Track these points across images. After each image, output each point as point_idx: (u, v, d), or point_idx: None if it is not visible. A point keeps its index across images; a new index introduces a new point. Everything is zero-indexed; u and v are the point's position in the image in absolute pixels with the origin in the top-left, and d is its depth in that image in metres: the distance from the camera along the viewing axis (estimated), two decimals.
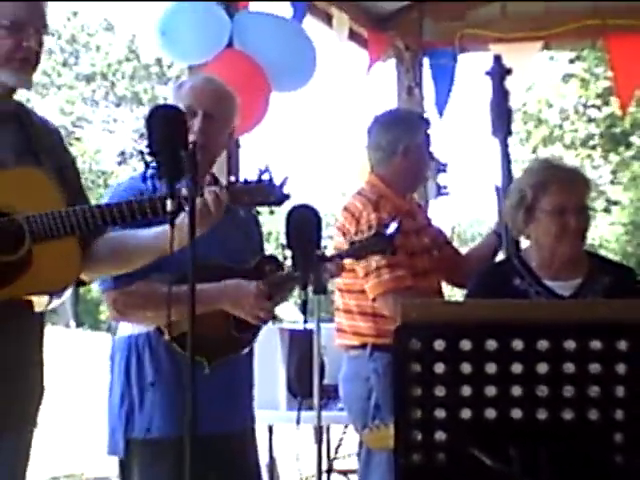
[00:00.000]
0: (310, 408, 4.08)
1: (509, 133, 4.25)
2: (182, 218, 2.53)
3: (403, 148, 4.10)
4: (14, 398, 2.58)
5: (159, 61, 33.42)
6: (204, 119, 3.20)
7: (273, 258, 3.29)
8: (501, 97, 4.25)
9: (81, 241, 2.65)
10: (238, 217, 3.09)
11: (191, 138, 3.18)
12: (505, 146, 4.22)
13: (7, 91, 2.64)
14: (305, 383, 4.35)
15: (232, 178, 2.85)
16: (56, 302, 2.65)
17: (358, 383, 4.05)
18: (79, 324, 28.60)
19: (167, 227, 2.51)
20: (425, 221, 4.36)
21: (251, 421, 3.38)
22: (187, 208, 2.50)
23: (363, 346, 4.04)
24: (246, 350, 3.26)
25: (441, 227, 4.50)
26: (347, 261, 3.44)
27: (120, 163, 33.94)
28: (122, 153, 34.78)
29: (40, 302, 2.61)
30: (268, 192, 2.84)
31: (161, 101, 33.96)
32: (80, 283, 2.80)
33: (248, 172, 3.32)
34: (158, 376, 3.11)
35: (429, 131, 4.25)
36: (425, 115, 5.28)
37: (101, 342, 19.58)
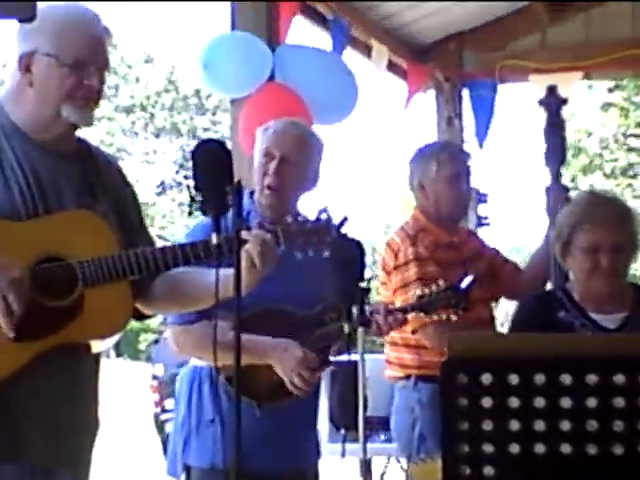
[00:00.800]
0: (353, 440, 4.07)
1: (562, 162, 4.26)
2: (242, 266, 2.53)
3: (417, 183, 4.16)
4: (71, 433, 2.60)
5: (198, 92, 33.71)
6: (280, 163, 3.27)
7: (338, 305, 3.26)
8: (556, 127, 4.26)
9: (140, 280, 2.65)
10: (305, 258, 2.97)
11: (266, 181, 3.27)
12: (557, 175, 4.23)
13: (69, 128, 2.65)
14: (348, 415, 4.34)
15: (288, 219, 2.81)
16: (111, 342, 2.67)
17: (405, 414, 4.10)
18: (119, 354, 28.78)
19: (226, 271, 2.50)
20: (477, 249, 4.34)
21: (308, 461, 3.41)
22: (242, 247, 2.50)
23: (408, 377, 4.09)
24: (295, 396, 3.25)
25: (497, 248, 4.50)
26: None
27: (159, 194, 34.17)
28: (161, 184, 35.03)
29: (95, 343, 2.63)
30: (325, 233, 2.80)
31: (200, 132, 34.24)
32: (142, 316, 2.81)
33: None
34: (216, 413, 3.14)
35: (463, 161, 4.23)
36: (462, 145, 5.28)
37: (140, 372, 19.67)
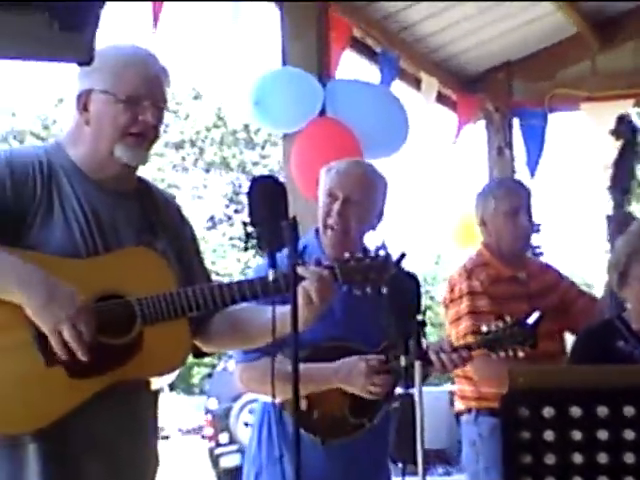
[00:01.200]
0: (412, 473, 4.05)
1: (627, 191, 4.25)
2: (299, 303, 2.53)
3: (479, 219, 4.21)
4: (131, 468, 2.61)
5: (246, 127, 33.91)
6: (343, 204, 3.29)
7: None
8: (629, 155, 4.27)
9: (198, 317, 2.66)
10: (364, 295, 2.94)
11: (329, 221, 3.30)
12: (621, 204, 4.21)
13: (126, 168, 2.66)
14: (406, 448, 4.32)
15: (346, 255, 2.79)
16: (170, 378, 2.68)
17: (468, 447, 4.12)
18: (172, 388, 28.89)
19: (284, 308, 2.50)
20: (548, 282, 4.30)
21: None
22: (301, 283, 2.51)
23: (469, 410, 4.12)
24: (361, 433, 3.27)
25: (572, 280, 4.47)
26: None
27: (210, 228, 34.36)
28: (211, 218, 35.22)
29: (155, 379, 2.64)
30: (383, 270, 2.79)
31: (249, 166, 34.45)
32: (201, 354, 2.83)
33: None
34: (284, 449, 3.14)
35: (521, 196, 4.22)
36: (514, 176, 5.27)
37: (194, 406, 19.72)
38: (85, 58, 1.91)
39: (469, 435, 4.12)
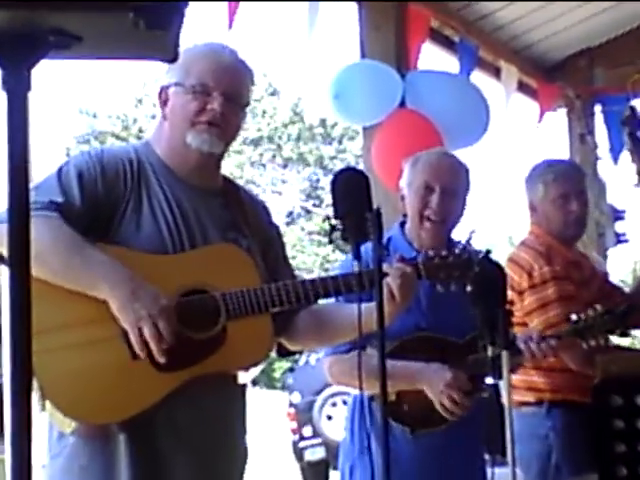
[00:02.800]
0: (501, 464, 3.99)
1: None
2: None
3: (529, 204, 4.06)
4: (223, 465, 2.64)
5: (323, 122, 33.98)
6: (441, 195, 3.29)
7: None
8: (639, 147, 4.14)
9: (282, 313, 2.68)
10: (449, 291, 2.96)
11: (427, 213, 3.29)
12: None
13: (204, 160, 2.68)
14: (493, 439, 4.27)
15: (430, 252, 2.80)
16: (255, 372, 2.70)
17: (536, 442, 3.86)
18: (254, 383, 29.09)
19: (367, 305, 2.50)
20: (591, 270, 4.22)
21: None
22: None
23: (538, 403, 3.88)
24: (450, 424, 3.24)
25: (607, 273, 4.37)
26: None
27: (288, 224, 34.51)
28: (290, 213, 35.37)
29: (241, 373, 2.66)
30: (467, 268, 2.80)
31: (327, 161, 34.52)
32: (287, 353, 2.84)
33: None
34: (374, 440, 3.15)
35: (573, 181, 4.10)
36: (586, 163, 5.14)
37: (276, 400, 19.81)
38: (170, 56, 1.93)
39: (538, 429, 3.84)
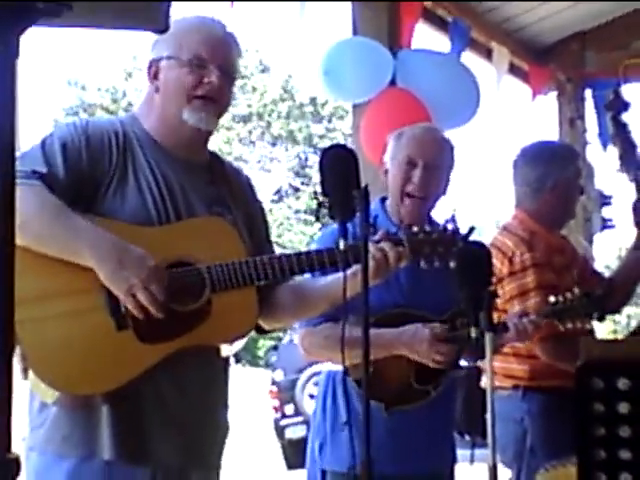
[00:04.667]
0: (482, 446, 4.00)
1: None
2: (355, 269, 2.53)
3: (552, 183, 3.92)
4: (204, 439, 2.64)
5: (313, 100, 33.93)
6: (424, 170, 3.26)
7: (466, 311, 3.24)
8: (621, 131, 4.10)
9: (263, 288, 2.68)
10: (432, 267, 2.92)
11: (409, 188, 3.26)
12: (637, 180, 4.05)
13: (196, 136, 2.68)
14: (473, 421, 4.29)
15: (414, 228, 2.79)
16: (238, 346, 2.70)
17: (510, 425, 3.85)
18: (237, 360, 29.13)
19: (341, 275, 2.50)
20: (572, 254, 4.19)
21: (443, 464, 3.40)
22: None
23: (514, 387, 3.88)
24: (425, 401, 3.26)
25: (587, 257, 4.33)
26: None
27: (276, 202, 34.49)
28: (278, 191, 35.35)
29: (224, 347, 2.66)
30: (451, 244, 2.79)
31: (316, 139, 34.49)
32: (261, 330, 2.84)
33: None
34: (349, 415, 3.15)
35: (579, 164, 4.09)
36: (575, 147, 5.11)
37: (259, 378, 19.86)
38: (161, 26, 1.91)
39: (513, 412, 3.84)
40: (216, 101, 2.65)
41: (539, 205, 3.95)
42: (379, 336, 3.04)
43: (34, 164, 2.48)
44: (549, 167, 3.94)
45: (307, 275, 2.87)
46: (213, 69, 2.62)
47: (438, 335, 3.14)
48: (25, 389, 2.53)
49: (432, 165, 3.27)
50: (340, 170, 2.55)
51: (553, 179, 3.93)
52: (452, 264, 2.76)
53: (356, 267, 2.54)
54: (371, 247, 2.62)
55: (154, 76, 2.67)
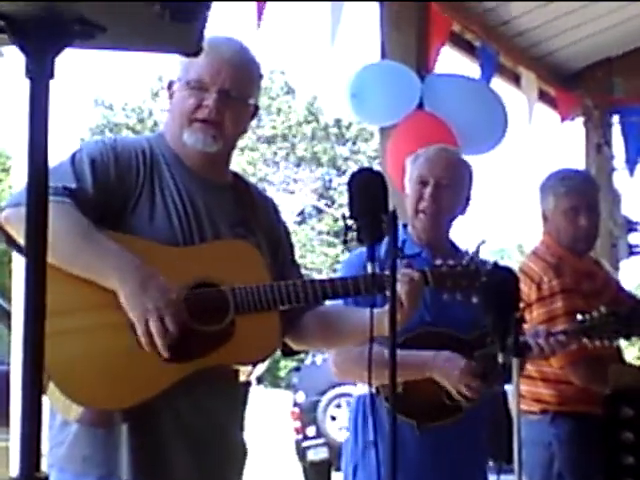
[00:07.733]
0: (509, 471, 3.97)
1: None
2: (383, 310, 2.51)
3: (542, 213, 4.02)
4: (223, 460, 2.63)
5: (338, 122, 34.00)
6: (434, 188, 3.31)
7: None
8: None
9: (290, 313, 2.68)
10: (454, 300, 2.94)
11: (421, 206, 3.31)
12: None
13: (207, 156, 2.68)
14: (499, 445, 4.25)
15: (438, 261, 2.80)
16: (259, 370, 2.69)
17: (538, 450, 3.83)
18: (259, 381, 29.11)
19: (376, 311, 2.48)
20: (604, 280, 4.17)
21: None
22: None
23: (543, 412, 3.87)
24: (457, 418, 3.24)
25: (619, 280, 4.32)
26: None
27: (299, 223, 34.52)
28: (301, 213, 35.38)
29: (244, 370, 2.66)
30: (474, 279, 2.79)
31: (340, 161, 34.55)
32: (285, 353, 2.83)
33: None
34: (379, 435, 3.14)
35: (585, 194, 4.01)
36: (602, 173, 5.08)
37: (281, 399, 19.80)
38: (193, 49, 1.92)
39: (542, 437, 3.82)
40: (214, 124, 2.64)
41: (558, 231, 3.97)
42: (413, 357, 3.05)
43: (64, 180, 2.49)
44: (539, 196, 4.02)
45: (336, 301, 2.86)
46: (213, 92, 2.62)
47: (473, 369, 3.14)
48: (45, 405, 2.53)
49: (443, 183, 3.31)
50: (369, 193, 2.56)
51: (541, 210, 4.01)
52: (474, 299, 2.77)
53: (382, 311, 2.53)
54: (398, 275, 2.62)
55: (170, 97, 2.72)
